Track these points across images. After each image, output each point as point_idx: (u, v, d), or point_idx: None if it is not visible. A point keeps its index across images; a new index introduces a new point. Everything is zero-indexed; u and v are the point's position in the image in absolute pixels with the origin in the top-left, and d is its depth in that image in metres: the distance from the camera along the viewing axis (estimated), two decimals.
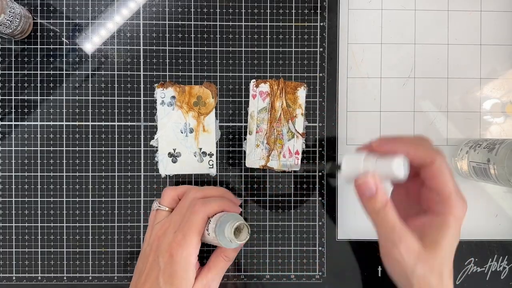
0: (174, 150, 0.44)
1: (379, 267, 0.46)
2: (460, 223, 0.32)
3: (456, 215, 0.32)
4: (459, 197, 0.32)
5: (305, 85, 0.45)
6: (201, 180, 0.46)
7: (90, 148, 0.45)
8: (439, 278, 0.32)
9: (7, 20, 0.40)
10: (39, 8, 0.45)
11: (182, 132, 0.44)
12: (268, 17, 0.46)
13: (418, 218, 0.34)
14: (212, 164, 0.45)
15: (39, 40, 0.45)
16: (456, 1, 0.47)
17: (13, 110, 0.45)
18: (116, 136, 0.45)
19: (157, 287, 0.36)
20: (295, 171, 0.46)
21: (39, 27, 0.45)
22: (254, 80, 0.45)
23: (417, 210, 0.35)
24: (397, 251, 0.32)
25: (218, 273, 0.40)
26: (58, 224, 0.45)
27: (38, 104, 0.45)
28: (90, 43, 0.45)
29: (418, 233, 0.32)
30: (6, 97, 0.45)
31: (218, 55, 0.46)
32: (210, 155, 0.45)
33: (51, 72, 0.45)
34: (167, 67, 0.46)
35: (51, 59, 0.45)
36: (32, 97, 0.45)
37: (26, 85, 0.45)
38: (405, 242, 0.32)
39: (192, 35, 0.46)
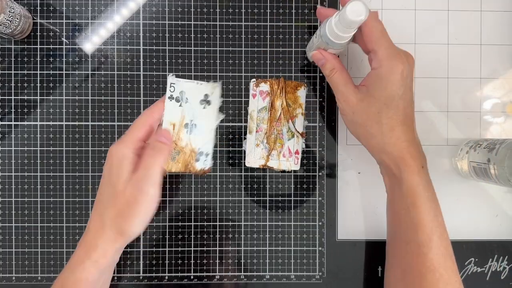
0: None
1: (379, 267, 0.46)
2: (397, 76, 0.35)
3: (387, 67, 0.35)
4: (390, 51, 0.36)
5: (305, 85, 0.45)
6: None
7: (90, 148, 0.45)
8: (376, 125, 0.37)
9: (7, 20, 0.40)
10: (39, 8, 0.45)
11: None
12: (268, 17, 0.46)
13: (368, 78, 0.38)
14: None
15: (38, 40, 0.45)
16: (456, 1, 0.47)
17: (13, 110, 0.45)
18: (116, 136, 0.45)
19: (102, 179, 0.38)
20: (295, 171, 0.46)
21: (39, 27, 0.45)
22: (254, 79, 0.45)
23: None
24: (340, 106, 0.39)
25: (147, 171, 0.36)
26: (58, 224, 0.45)
27: (38, 104, 0.45)
28: (90, 43, 0.45)
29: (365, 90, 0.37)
30: (6, 97, 0.45)
31: (218, 55, 0.46)
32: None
33: (51, 72, 0.45)
34: (167, 67, 0.46)
35: (51, 59, 0.45)
36: (32, 97, 0.45)
37: (26, 85, 0.45)
38: (346, 98, 0.38)
39: (192, 35, 0.46)
